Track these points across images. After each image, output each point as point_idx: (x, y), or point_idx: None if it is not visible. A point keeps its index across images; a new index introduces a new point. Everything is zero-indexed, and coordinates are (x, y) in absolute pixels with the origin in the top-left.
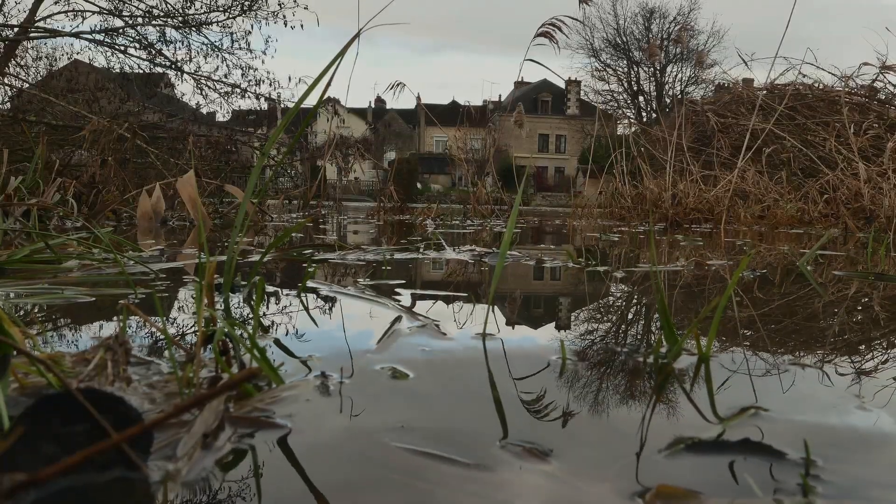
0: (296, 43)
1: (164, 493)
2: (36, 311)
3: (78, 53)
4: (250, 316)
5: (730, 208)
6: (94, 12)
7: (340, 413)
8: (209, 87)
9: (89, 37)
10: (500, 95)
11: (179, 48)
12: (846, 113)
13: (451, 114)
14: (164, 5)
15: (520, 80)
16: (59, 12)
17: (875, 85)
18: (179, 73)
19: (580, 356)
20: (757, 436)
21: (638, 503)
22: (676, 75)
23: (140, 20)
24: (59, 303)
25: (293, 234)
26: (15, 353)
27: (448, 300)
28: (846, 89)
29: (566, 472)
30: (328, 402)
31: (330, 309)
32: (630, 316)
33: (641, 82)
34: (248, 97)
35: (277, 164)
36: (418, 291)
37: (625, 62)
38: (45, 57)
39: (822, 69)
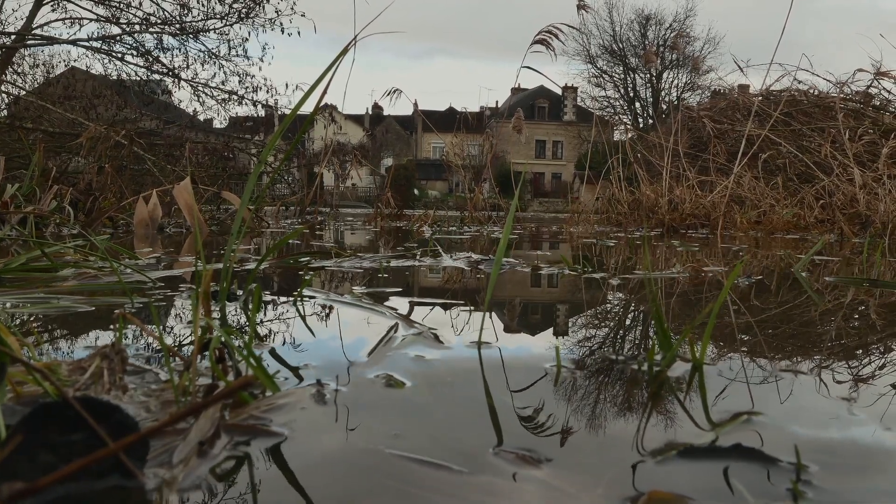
0: (293, 48)
1: (160, 500)
2: (32, 319)
3: (75, 61)
4: (247, 324)
5: (726, 214)
6: (91, 20)
7: (336, 421)
8: (206, 94)
9: (86, 44)
10: (496, 102)
11: (177, 55)
12: (841, 119)
13: (448, 120)
14: (161, 13)
15: (516, 86)
16: (56, 20)
17: (870, 91)
18: (177, 80)
19: (575, 364)
20: (749, 442)
21: None
22: (673, 81)
23: (137, 27)
24: (55, 311)
25: (290, 241)
26: (11, 361)
27: (445, 308)
28: (841, 95)
29: (559, 479)
30: (324, 411)
31: (326, 317)
32: (625, 323)
33: (638, 88)
34: (246, 104)
35: (275, 171)
36: (415, 299)
37: (621, 68)
38: (43, 64)
39: (818, 75)
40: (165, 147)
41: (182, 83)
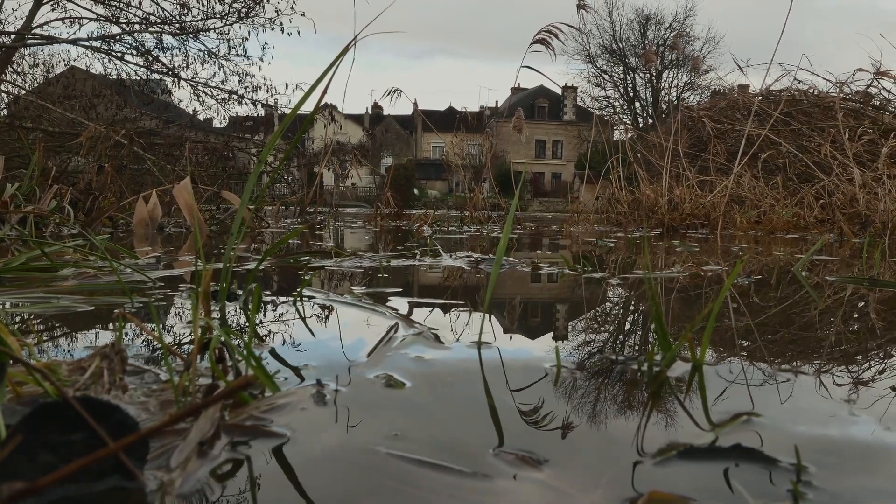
0: (293, 48)
1: (160, 501)
2: (32, 319)
3: (75, 60)
4: (247, 324)
5: (726, 214)
6: (91, 19)
7: (336, 422)
8: (206, 94)
9: (86, 44)
10: (496, 101)
11: (176, 55)
12: (841, 118)
13: (448, 120)
14: (161, 12)
15: (516, 86)
16: (56, 19)
17: (869, 91)
18: (176, 79)
19: (575, 364)
20: (749, 442)
21: None
22: (672, 81)
23: (137, 27)
24: (55, 311)
25: (290, 241)
26: (11, 361)
27: (445, 308)
28: (841, 95)
29: (559, 480)
30: (324, 411)
31: (326, 317)
32: (625, 323)
33: (637, 88)
34: (245, 103)
35: (275, 170)
36: (415, 299)
37: (621, 68)
38: (42, 63)
39: (817, 75)
40: (165, 147)
41: (182, 83)
